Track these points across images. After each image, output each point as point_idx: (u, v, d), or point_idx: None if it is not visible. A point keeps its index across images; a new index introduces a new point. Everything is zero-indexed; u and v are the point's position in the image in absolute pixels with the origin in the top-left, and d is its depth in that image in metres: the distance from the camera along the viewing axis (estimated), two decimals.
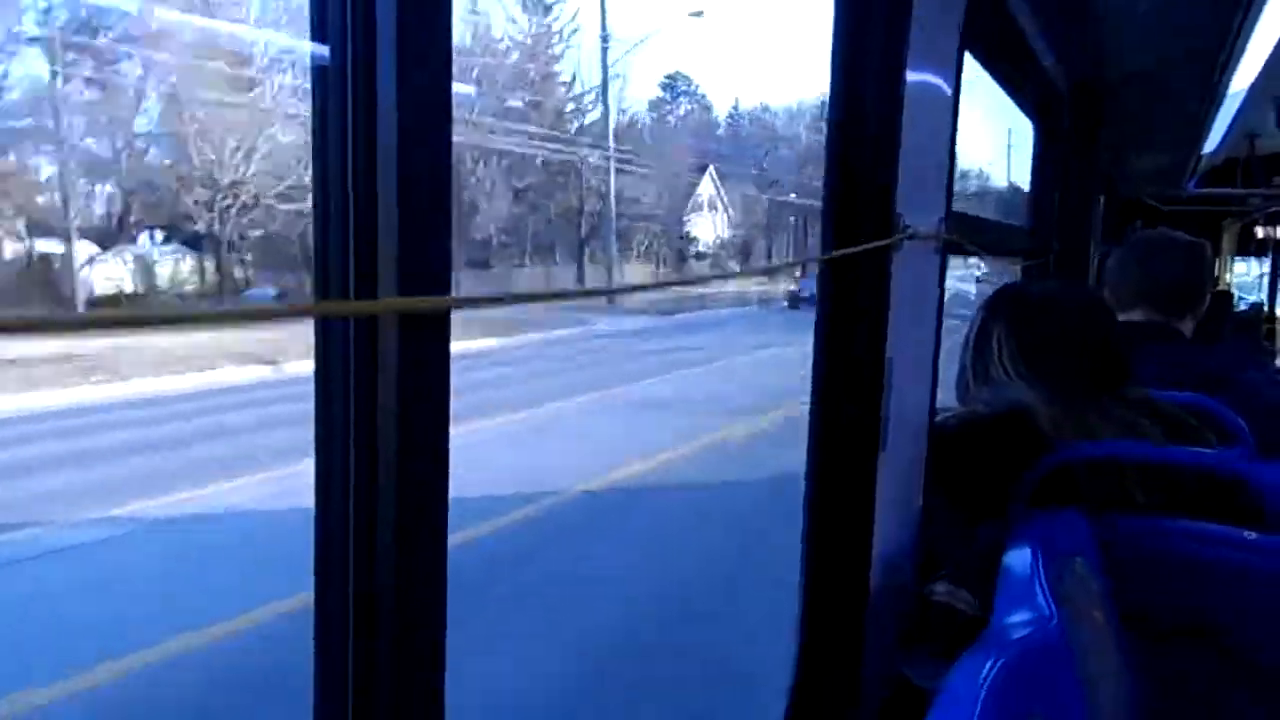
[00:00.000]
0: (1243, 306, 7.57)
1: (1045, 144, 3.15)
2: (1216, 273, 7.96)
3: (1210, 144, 4.94)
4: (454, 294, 0.68)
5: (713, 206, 48.56)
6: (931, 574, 1.82)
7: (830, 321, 1.41)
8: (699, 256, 46.67)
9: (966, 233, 1.89)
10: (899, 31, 1.38)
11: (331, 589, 0.68)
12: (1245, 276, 9.28)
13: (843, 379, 1.41)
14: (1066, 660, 1.14)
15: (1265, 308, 8.03)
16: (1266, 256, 8.57)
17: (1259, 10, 2.31)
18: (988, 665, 1.04)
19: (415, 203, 0.66)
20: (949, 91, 1.68)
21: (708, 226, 47.77)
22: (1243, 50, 2.72)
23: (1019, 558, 1.34)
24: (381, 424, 0.66)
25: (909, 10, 1.37)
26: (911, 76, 1.42)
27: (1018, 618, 1.19)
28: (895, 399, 1.48)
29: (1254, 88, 3.81)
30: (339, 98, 0.67)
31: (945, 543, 1.82)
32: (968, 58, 1.87)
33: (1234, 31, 2.41)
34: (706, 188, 48.26)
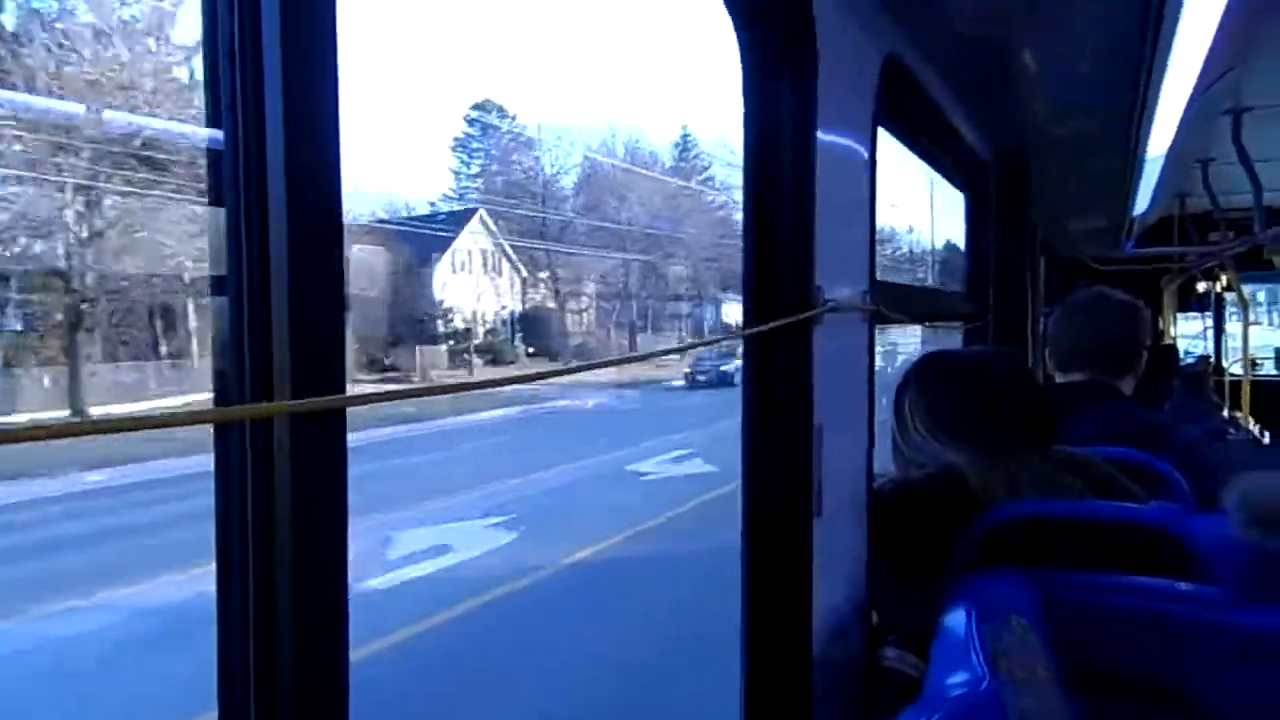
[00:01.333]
0: (1189, 360, 7.75)
1: (975, 211, 3.25)
2: (1161, 328, 8.16)
3: (1140, 205, 5.12)
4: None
5: (494, 268, 35.18)
6: (882, 639, 1.83)
7: (755, 393, 1.44)
8: (454, 337, 31.58)
9: (895, 302, 1.94)
10: (807, 117, 1.44)
11: (235, 686, 0.68)
12: (1194, 336, 9.49)
13: (771, 449, 1.44)
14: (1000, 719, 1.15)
15: (1211, 361, 8.22)
16: (1209, 311, 8.81)
17: (1159, 78, 2.43)
18: None
19: (307, 297, 0.67)
20: (865, 171, 1.75)
21: (481, 294, 33.65)
22: (1152, 116, 2.85)
23: (955, 619, 1.36)
24: (279, 523, 0.66)
25: (814, 87, 1.43)
26: (824, 151, 1.48)
27: (952, 679, 1.20)
28: (827, 466, 1.51)
29: (1173, 151, 3.97)
30: (232, 183, 0.69)
31: (892, 607, 1.83)
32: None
33: (1139, 99, 2.53)
34: (473, 241, 34.34)
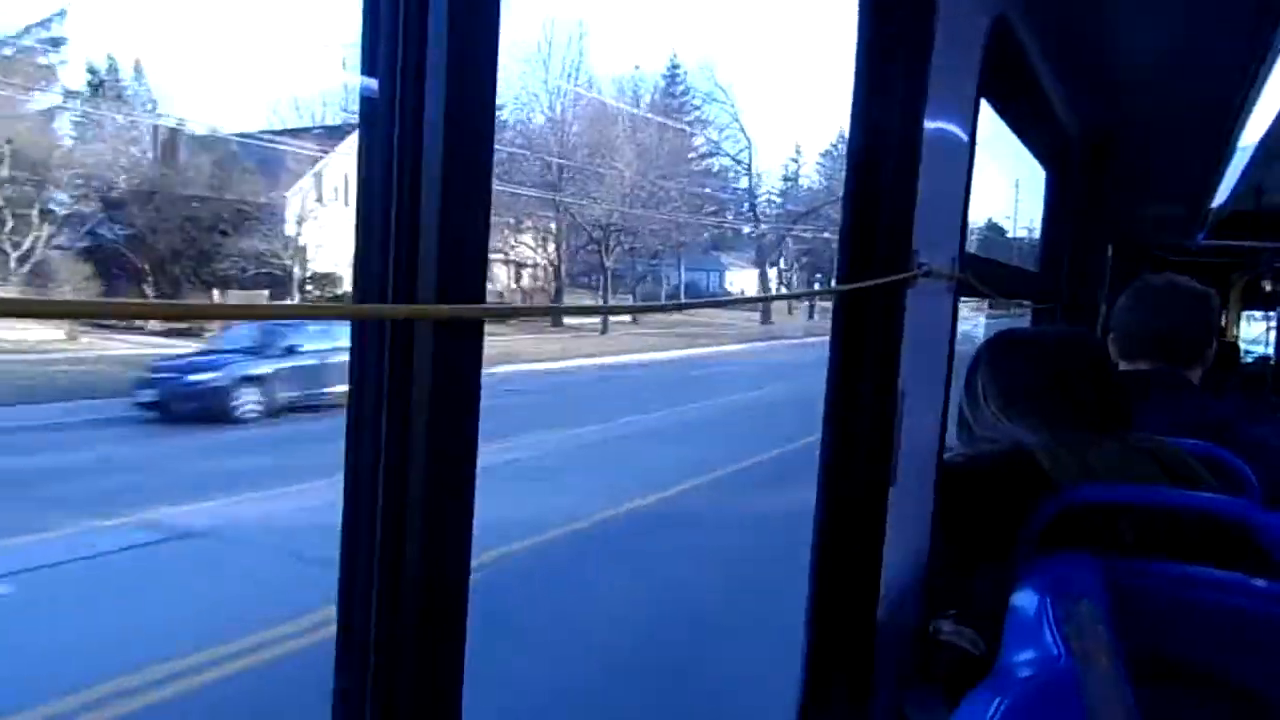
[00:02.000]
0: (1249, 360, 7.58)
1: (1058, 192, 3.18)
2: (1224, 325, 7.98)
3: (1220, 197, 4.98)
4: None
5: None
6: (937, 612, 1.83)
7: (843, 352, 1.43)
8: (314, 282, 22.54)
9: (979, 274, 1.91)
10: (919, 78, 1.41)
11: (357, 588, 0.69)
12: (1254, 339, 9.26)
13: (854, 410, 1.43)
14: (1074, 701, 1.14)
15: (1273, 361, 8.04)
16: (1273, 310, 8.59)
17: (1270, 68, 2.34)
18: (995, 704, 1.05)
19: (457, 219, 0.69)
20: (966, 137, 1.71)
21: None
22: (1254, 102, 2.75)
23: (1028, 598, 1.34)
24: (414, 424, 0.68)
25: (928, 57, 1.40)
26: (930, 122, 1.45)
27: (1025, 657, 1.19)
28: (907, 433, 1.50)
29: (1265, 141, 3.84)
30: (386, 127, 0.71)
31: (951, 581, 1.82)
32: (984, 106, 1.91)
33: (1248, 82, 2.44)
34: (352, 164, 14.03)
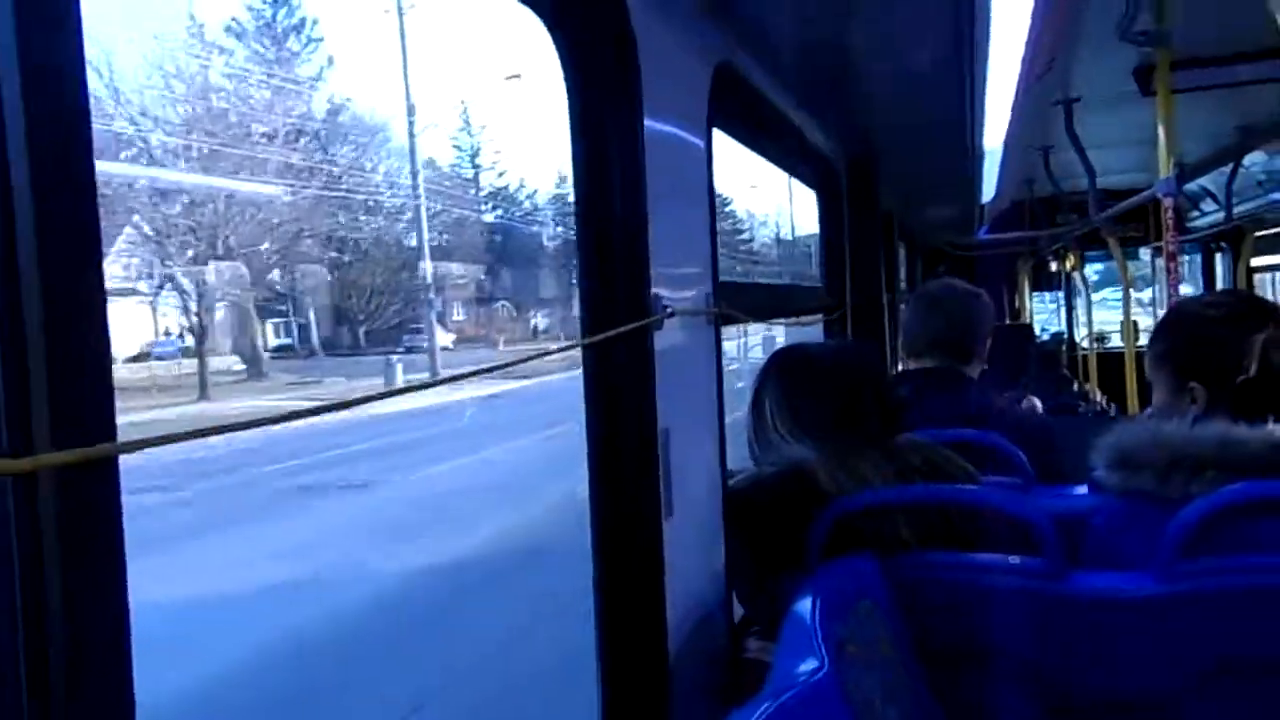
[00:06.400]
0: (1045, 338, 8.18)
1: (828, 207, 3.36)
2: (1017, 307, 8.60)
3: (987, 193, 5.38)
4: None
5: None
6: (746, 631, 1.88)
7: (597, 401, 1.46)
8: None
9: (742, 302, 1.99)
10: (633, 123, 1.46)
11: None
12: (1048, 315, 10.01)
13: (615, 456, 1.45)
14: (838, 705, 1.19)
15: (1065, 337, 8.71)
16: (1060, 289, 9.34)
17: (983, 70, 2.56)
18: (757, 714, 1.08)
19: (66, 333, 0.61)
20: (702, 168, 1.78)
21: None
22: (984, 108, 3.00)
23: (801, 607, 1.40)
24: (48, 586, 0.62)
25: (639, 103, 1.45)
26: (655, 163, 1.49)
27: (793, 668, 1.24)
28: (676, 468, 1.53)
29: (1012, 140, 4.20)
30: None
31: (752, 600, 1.88)
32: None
33: (968, 92, 2.66)
34: None
